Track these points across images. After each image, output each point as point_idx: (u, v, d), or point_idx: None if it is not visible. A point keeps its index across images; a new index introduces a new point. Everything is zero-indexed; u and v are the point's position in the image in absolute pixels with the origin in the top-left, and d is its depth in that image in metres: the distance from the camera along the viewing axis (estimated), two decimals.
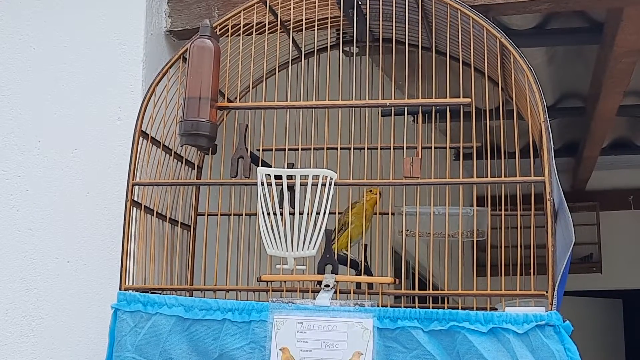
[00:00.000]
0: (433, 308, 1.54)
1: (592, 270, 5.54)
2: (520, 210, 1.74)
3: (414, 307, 1.53)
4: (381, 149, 1.82)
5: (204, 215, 1.81)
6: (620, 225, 5.71)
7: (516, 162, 1.72)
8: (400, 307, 1.55)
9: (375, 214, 1.87)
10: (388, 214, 1.79)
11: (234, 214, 1.75)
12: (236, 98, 1.90)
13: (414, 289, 1.68)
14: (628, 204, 5.68)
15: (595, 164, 4.71)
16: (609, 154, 4.80)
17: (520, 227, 1.72)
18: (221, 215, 1.78)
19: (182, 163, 1.83)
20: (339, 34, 1.89)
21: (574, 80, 3.80)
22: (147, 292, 1.65)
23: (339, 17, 1.82)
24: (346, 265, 1.68)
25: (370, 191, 1.84)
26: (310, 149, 1.79)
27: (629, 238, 5.72)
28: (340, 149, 1.69)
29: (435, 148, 1.86)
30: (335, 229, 1.84)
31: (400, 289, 1.79)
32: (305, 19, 1.81)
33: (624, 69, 3.00)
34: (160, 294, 1.66)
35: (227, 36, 1.78)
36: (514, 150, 1.70)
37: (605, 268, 5.58)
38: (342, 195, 1.72)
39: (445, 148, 1.70)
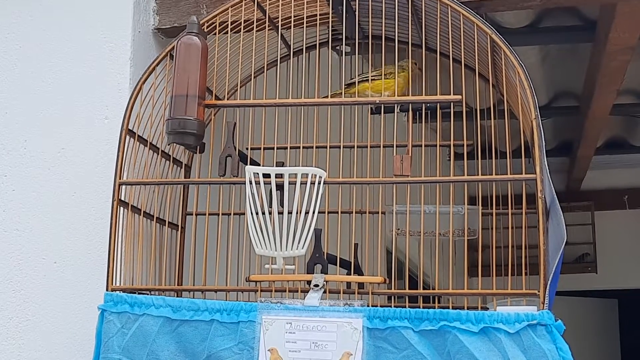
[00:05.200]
0: (424, 307, 1.52)
1: (587, 270, 5.54)
2: (511, 209, 1.72)
3: (405, 307, 1.51)
4: (371, 147, 1.80)
5: (193, 214, 1.79)
6: (615, 225, 5.70)
7: (507, 161, 1.71)
8: (391, 306, 1.53)
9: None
10: (378, 212, 1.77)
11: (223, 214, 1.73)
12: (225, 96, 1.88)
13: (405, 288, 1.66)
14: (623, 203, 5.67)
15: (590, 164, 4.70)
16: (604, 153, 4.80)
17: (512, 227, 1.71)
18: (210, 214, 1.76)
19: (170, 162, 1.81)
20: (328, 32, 1.87)
21: (568, 79, 3.79)
22: (135, 293, 1.63)
23: (328, 14, 1.80)
24: (336, 265, 1.67)
25: (416, 64, 1.87)
26: (299, 147, 1.77)
27: (623, 238, 5.71)
28: (330, 147, 1.67)
29: (426, 146, 1.84)
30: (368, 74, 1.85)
31: (391, 289, 1.77)
32: (294, 16, 1.79)
33: (617, 67, 2.99)
34: (148, 294, 1.64)
35: (215, 33, 1.76)
36: (506, 149, 1.68)
37: (600, 268, 5.57)
38: (331, 194, 1.70)
39: (436, 146, 1.68)
